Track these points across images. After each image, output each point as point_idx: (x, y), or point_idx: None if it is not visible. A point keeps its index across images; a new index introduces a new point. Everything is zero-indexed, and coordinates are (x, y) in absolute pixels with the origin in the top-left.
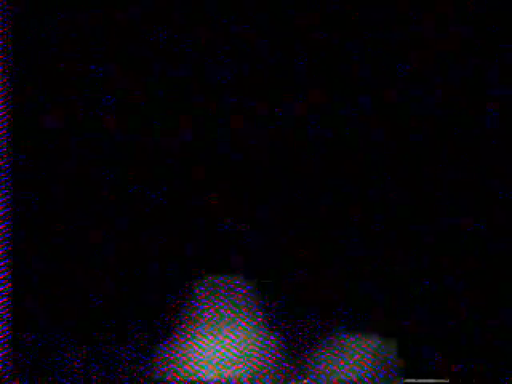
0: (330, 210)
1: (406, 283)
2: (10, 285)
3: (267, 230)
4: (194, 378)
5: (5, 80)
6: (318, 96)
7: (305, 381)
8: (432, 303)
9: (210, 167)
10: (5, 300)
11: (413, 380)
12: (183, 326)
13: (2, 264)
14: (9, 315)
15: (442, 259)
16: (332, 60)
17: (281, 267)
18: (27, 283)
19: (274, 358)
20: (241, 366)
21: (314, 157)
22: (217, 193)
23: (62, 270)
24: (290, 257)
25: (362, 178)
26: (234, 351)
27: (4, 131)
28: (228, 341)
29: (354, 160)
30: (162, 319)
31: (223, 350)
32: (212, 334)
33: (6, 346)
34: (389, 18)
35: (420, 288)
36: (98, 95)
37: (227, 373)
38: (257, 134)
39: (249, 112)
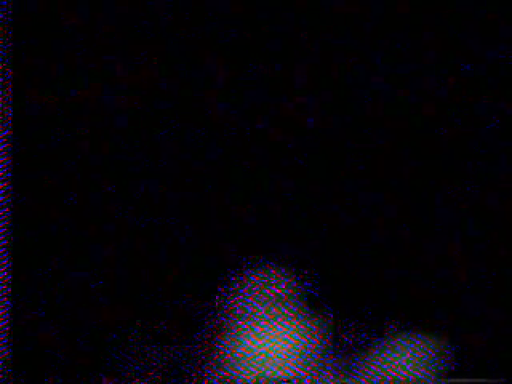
0: (386, 203)
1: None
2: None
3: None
4: (242, 378)
5: (4, 79)
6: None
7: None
8: (488, 300)
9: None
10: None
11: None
12: (230, 324)
13: (2, 268)
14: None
15: (501, 253)
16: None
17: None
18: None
19: (322, 357)
20: (290, 365)
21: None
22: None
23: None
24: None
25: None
26: (282, 350)
27: (4, 131)
28: (276, 340)
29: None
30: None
31: (272, 349)
32: (262, 333)
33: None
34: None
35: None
36: (101, 94)
37: (278, 372)
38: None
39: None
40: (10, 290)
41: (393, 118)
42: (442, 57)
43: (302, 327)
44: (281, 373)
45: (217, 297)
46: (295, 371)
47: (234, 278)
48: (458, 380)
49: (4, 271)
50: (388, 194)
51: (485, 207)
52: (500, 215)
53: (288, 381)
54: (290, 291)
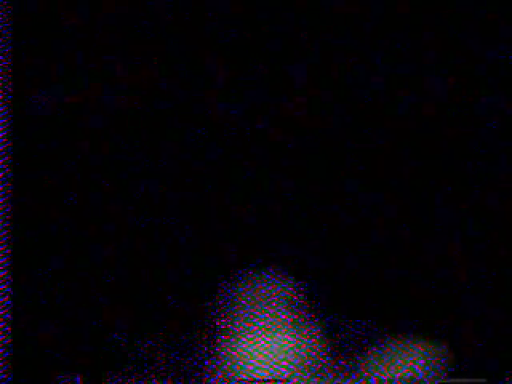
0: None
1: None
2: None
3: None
4: (239, 377)
5: (4, 78)
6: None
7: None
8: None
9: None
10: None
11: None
12: (227, 325)
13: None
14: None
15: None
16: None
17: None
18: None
19: (320, 356)
20: (287, 365)
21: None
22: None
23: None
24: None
25: None
26: (280, 350)
27: (4, 130)
28: (273, 340)
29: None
30: (205, 319)
31: (268, 350)
32: (258, 334)
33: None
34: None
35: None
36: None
37: (275, 372)
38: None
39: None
40: (10, 289)
41: (393, 118)
42: (442, 57)
43: (301, 327)
44: (280, 373)
45: (216, 297)
46: (294, 371)
47: (233, 279)
48: (458, 380)
49: (4, 269)
50: (388, 194)
51: (485, 207)
52: (500, 215)
53: (287, 381)
54: (290, 291)
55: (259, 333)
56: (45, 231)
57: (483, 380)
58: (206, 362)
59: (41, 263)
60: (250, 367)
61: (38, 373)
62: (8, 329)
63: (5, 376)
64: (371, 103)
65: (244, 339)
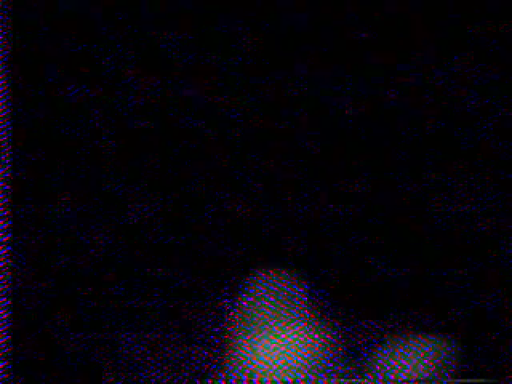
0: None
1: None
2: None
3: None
4: (247, 379)
5: (4, 78)
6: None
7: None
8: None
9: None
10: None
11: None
12: (237, 325)
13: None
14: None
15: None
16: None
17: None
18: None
19: (330, 356)
20: (296, 365)
21: None
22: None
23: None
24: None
25: None
26: (288, 351)
27: (4, 130)
28: (282, 340)
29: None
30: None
31: (278, 351)
32: (267, 334)
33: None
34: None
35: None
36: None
37: (284, 373)
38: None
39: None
40: (10, 289)
41: (394, 119)
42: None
43: (305, 328)
44: (286, 374)
45: (223, 298)
46: (299, 372)
47: (239, 279)
48: (457, 380)
49: (4, 266)
50: (388, 193)
51: (485, 206)
52: (500, 214)
53: (294, 382)
54: (295, 293)
55: (264, 333)
56: (45, 230)
57: (490, 380)
58: (211, 363)
59: (41, 263)
60: (255, 368)
61: (38, 373)
62: (8, 329)
63: (5, 376)
64: (372, 103)
65: (248, 341)
